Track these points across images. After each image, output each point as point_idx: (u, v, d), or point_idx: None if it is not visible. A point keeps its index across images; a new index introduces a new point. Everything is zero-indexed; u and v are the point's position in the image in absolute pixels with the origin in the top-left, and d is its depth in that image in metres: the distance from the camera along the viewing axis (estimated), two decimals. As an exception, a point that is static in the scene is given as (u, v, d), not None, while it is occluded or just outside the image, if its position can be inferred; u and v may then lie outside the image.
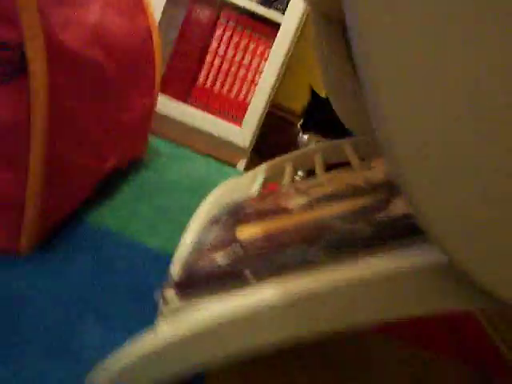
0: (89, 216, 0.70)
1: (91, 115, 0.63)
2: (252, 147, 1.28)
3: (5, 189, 0.50)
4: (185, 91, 1.25)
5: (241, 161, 1.28)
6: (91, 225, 0.69)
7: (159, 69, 0.91)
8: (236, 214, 0.59)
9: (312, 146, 0.91)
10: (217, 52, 1.21)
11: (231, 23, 1.19)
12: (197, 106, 1.25)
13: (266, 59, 1.20)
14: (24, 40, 0.45)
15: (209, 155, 1.28)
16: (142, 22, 0.82)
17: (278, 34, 1.16)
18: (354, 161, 0.74)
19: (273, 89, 1.20)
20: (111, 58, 0.66)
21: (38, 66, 0.46)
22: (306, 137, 1.39)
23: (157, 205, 0.83)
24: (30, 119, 0.48)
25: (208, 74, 1.23)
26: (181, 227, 0.76)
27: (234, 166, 1.30)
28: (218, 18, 1.19)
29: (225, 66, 1.22)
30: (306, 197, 0.56)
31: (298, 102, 1.50)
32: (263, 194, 0.67)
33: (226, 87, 1.24)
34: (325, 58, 0.88)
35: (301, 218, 0.51)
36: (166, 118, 1.21)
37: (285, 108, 1.49)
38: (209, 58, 1.22)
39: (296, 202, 0.56)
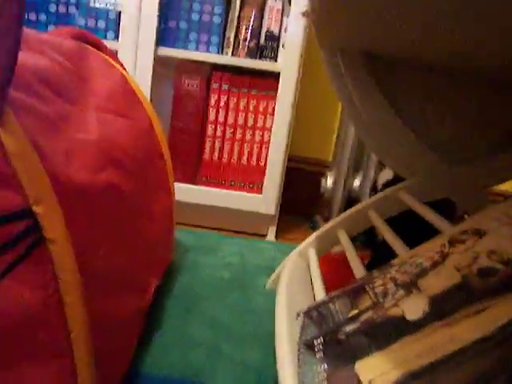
0: (141, 364, 0.56)
1: (121, 249, 0.49)
2: (279, 212, 1.14)
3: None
4: (192, 171, 1.12)
5: (270, 228, 1.15)
6: (148, 374, 0.54)
7: (169, 161, 0.79)
8: (334, 334, 0.45)
9: (362, 202, 0.78)
10: (217, 121, 1.10)
11: (224, 86, 1.08)
12: (208, 184, 1.12)
13: (271, 114, 1.09)
14: (30, 204, 0.32)
15: (235, 232, 1.14)
16: (141, 116, 0.70)
17: (279, 84, 1.05)
18: (435, 220, 0.60)
19: (287, 143, 1.08)
20: (124, 172, 0.54)
21: (55, 230, 0.33)
22: (329, 182, 1.27)
23: (209, 318, 0.68)
24: (60, 293, 0.34)
25: (212, 146, 1.11)
26: (257, 342, 0.62)
27: (263, 236, 1.16)
28: (208, 84, 1.09)
29: (228, 134, 1.11)
30: (422, 296, 0.42)
31: (318, 149, 1.39)
32: (347, 290, 0.52)
33: (235, 155, 1.12)
34: (353, 101, 0.77)
35: (437, 339, 0.37)
36: (178, 205, 1.07)
37: (306, 159, 1.37)
38: (210, 130, 1.10)
39: (413, 305, 0.42)
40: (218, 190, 1.11)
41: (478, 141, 0.76)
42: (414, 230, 0.70)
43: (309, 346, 0.45)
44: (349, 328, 0.44)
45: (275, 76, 1.06)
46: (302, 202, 1.36)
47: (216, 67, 1.08)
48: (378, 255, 0.88)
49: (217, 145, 1.11)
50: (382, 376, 0.35)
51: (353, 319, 0.45)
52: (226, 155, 1.11)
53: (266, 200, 1.10)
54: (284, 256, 1.00)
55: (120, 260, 0.49)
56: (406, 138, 0.76)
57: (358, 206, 0.77)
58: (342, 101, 0.82)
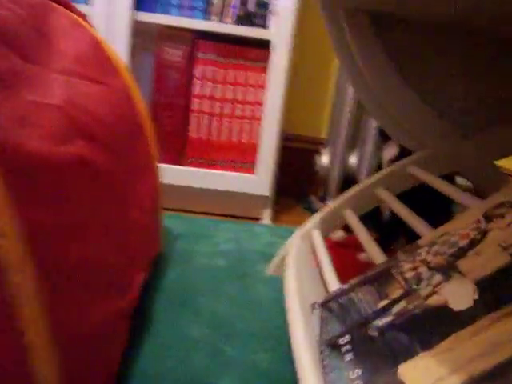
0: (133, 375, 0.47)
1: (96, 238, 0.41)
2: (275, 193, 1.06)
3: None
4: (177, 151, 1.03)
5: (265, 211, 1.07)
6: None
7: (152, 137, 0.70)
8: (362, 330, 0.37)
9: (367, 179, 0.71)
10: (202, 94, 1.01)
11: (211, 56, 0.99)
12: (196, 164, 1.03)
13: (262, 87, 1.00)
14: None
15: (227, 216, 1.06)
16: (117, 83, 0.61)
17: (270, 54, 0.96)
18: (456, 194, 0.53)
19: (280, 119, 1.00)
20: (98, 145, 0.45)
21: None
22: (324, 160, 1.19)
23: (208, 314, 0.61)
24: (10, 304, 0.26)
25: (199, 123, 1.02)
26: (265, 339, 0.55)
27: (257, 219, 1.08)
28: (193, 53, 0.99)
29: (216, 109, 1.01)
30: (467, 281, 0.35)
31: (312, 125, 1.31)
32: (370, 276, 0.45)
33: (225, 133, 1.03)
34: (357, 63, 0.68)
35: (497, 334, 0.29)
36: (164, 188, 0.99)
37: (298, 137, 1.29)
38: (195, 104, 1.01)
39: (458, 292, 0.34)
40: (206, 170, 1.02)
41: (490, 110, 0.69)
42: (428, 207, 0.62)
43: (333, 346, 0.38)
44: (381, 322, 0.36)
45: (266, 45, 0.97)
46: (296, 182, 1.28)
47: (201, 35, 0.98)
48: (385, 236, 0.81)
49: (204, 121, 1.02)
50: (437, 382, 0.28)
51: (384, 311, 0.38)
52: (214, 132, 1.02)
53: (259, 181, 1.02)
54: (282, 240, 0.92)
55: (94, 252, 0.40)
56: (413, 104, 0.69)
57: (365, 184, 0.69)
58: (344, 66, 0.74)
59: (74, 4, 0.68)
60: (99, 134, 0.46)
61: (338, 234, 0.92)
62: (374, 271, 0.44)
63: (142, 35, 1.00)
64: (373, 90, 0.71)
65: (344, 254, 0.89)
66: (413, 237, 0.76)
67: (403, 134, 0.73)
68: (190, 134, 1.02)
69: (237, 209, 1.08)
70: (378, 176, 0.70)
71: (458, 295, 0.34)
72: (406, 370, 0.30)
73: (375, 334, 0.36)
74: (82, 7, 0.91)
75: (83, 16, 0.68)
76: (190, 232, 0.91)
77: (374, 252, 0.51)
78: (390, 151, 0.90)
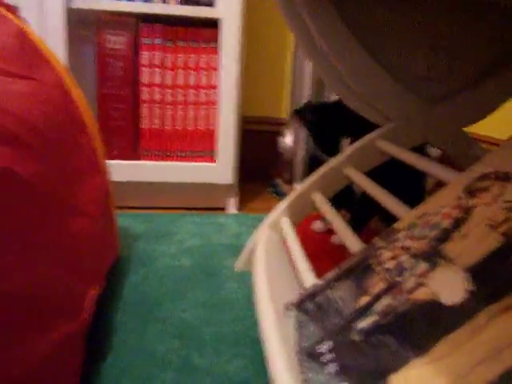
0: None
1: (27, 259, 0.34)
2: (239, 180, 1.01)
3: None
4: (129, 145, 0.96)
5: (230, 200, 1.02)
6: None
7: (96, 134, 0.63)
8: (344, 334, 0.33)
9: (334, 158, 0.66)
10: (152, 83, 0.93)
11: (157, 41, 0.91)
12: (151, 157, 0.97)
13: (215, 69, 0.94)
14: None
15: (189, 210, 1.00)
16: (49, 77, 0.54)
17: (220, 32, 0.90)
18: (431, 167, 0.49)
19: (237, 102, 0.94)
20: (21, 150, 0.38)
21: None
22: (288, 141, 1.14)
23: (174, 323, 0.55)
24: None
25: (150, 113, 0.95)
26: (238, 347, 0.49)
27: (222, 209, 1.03)
28: (137, 39, 0.92)
29: (168, 97, 0.94)
30: (456, 269, 0.31)
31: (271, 106, 1.25)
32: (347, 269, 0.40)
33: (179, 121, 0.96)
34: (313, 37, 0.63)
35: (502, 333, 0.26)
36: (120, 186, 0.92)
37: (258, 119, 1.23)
38: (145, 94, 0.94)
39: (447, 283, 0.30)
40: (163, 163, 0.96)
41: (454, 76, 0.66)
42: (399, 184, 0.58)
43: (313, 355, 0.33)
44: (364, 323, 0.32)
45: (215, 25, 0.90)
46: (259, 167, 1.23)
47: (144, 19, 0.90)
48: (358, 216, 0.77)
49: (156, 111, 0.94)
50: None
51: (366, 310, 0.33)
52: (168, 122, 0.96)
53: (221, 169, 0.96)
54: (250, 230, 0.88)
55: (27, 276, 0.34)
56: (377, 75, 0.65)
57: (332, 163, 0.65)
58: (300, 40, 0.68)
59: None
60: (22, 136, 0.39)
61: (318, 225, 0.88)
62: (350, 263, 0.40)
63: (79, 24, 0.91)
64: (332, 62, 0.66)
65: (319, 238, 0.85)
66: (388, 215, 0.73)
67: (367, 108, 0.68)
68: (141, 126, 0.95)
69: (200, 201, 1.02)
70: (345, 154, 0.65)
71: (448, 286, 0.30)
72: (397, 381, 0.26)
73: (358, 338, 0.31)
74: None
75: (12, 8, 0.60)
76: (151, 231, 0.85)
77: (348, 239, 0.47)
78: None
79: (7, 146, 0.35)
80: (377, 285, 0.35)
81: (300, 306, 0.40)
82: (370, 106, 0.67)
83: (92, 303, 0.46)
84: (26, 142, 0.39)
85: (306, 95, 1.09)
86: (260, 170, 1.23)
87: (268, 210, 1.04)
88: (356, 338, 0.32)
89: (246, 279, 0.68)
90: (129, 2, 0.88)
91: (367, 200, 0.73)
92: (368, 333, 0.31)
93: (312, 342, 0.35)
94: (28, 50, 0.54)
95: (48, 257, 0.38)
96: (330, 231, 0.86)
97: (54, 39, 0.84)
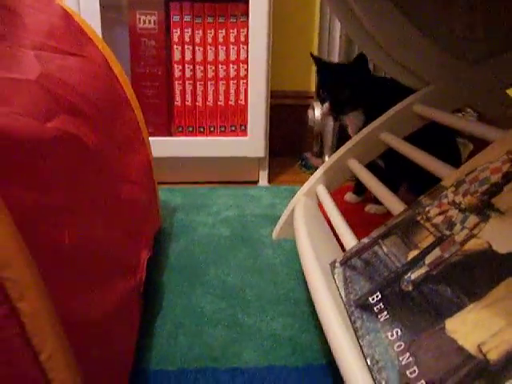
0: (148, 357, 0.45)
1: (96, 218, 0.37)
2: (269, 153, 1.03)
3: None
4: (164, 122, 0.98)
5: (261, 173, 1.03)
6: (159, 368, 0.44)
7: (138, 108, 0.65)
8: (394, 286, 0.35)
9: (367, 128, 0.67)
10: (183, 60, 0.95)
11: (186, 18, 0.92)
12: (185, 133, 0.99)
13: (244, 43, 0.94)
14: None
15: (222, 183, 1.03)
16: (94, 54, 0.56)
17: (249, 6, 0.90)
18: (476, 127, 0.49)
19: (267, 75, 0.95)
20: (84, 119, 0.40)
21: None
22: (316, 114, 1.15)
23: (219, 286, 0.58)
24: (11, 301, 0.23)
25: (183, 90, 0.96)
26: (281, 306, 0.52)
27: (254, 182, 1.05)
28: (168, 18, 0.93)
29: (199, 73, 0.96)
30: (508, 219, 0.32)
31: (299, 80, 1.25)
32: (392, 226, 0.42)
33: (211, 97, 0.98)
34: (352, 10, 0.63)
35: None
36: (155, 162, 0.94)
37: (286, 93, 1.23)
38: (177, 71, 0.95)
39: (500, 232, 0.32)
40: (196, 138, 0.98)
41: (493, 37, 0.65)
42: (436, 148, 0.59)
43: (363, 306, 0.35)
44: (414, 275, 0.34)
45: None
46: (289, 140, 1.24)
47: (172, -3, 0.92)
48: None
49: (188, 87, 0.96)
50: (496, 337, 0.25)
51: (415, 262, 0.35)
52: (199, 98, 0.97)
53: (252, 142, 0.98)
54: (282, 201, 0.90)
55: (96, 234, 0.37)
56: (414, 38, 0.64)
57: (368, 129, 0.66)
58: (337, 13, 0.68)
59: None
60: (82, 107, 0.41)
61: (350, 196, 0.89)
62: (396, 220, 0.41)
63: (111, 7, 0.93)
64: (367, 28, 0.66)
65: (353, 209, 0.86)
66: (416, 184, 0.74)
67: (405, 73, 0.68)
68: (175, 103, 0.97)
69: (232, 174, 1.04)
70: (381, 119, 0.66)
71: (502, 236, 0.31)
72: (454, 325, 0.28)
73: (409, 288, 0.33)
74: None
75: None
76: (188, 203, 0.88)
77: (390, 200, 0.48)
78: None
79: (73, 116, 0.37)
80: (425, 239, 0.37)
81: (346, 263, 0.42)
82: (407, 70, 0.66)
83: (145, 264, 0.49)
84: (86, 114, 0.41)
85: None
86: (289, 144, 1.24)
87: (298, 182, 1.05)
88: (407, 288, 0.33)
89: (281, 246, 0.70)
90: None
91: (393, 170, 0.74)
92: (419, 283, 0.33)
93: (361, 294, 0.37)
94: (73, 30, 0.56)
95: (106, 218, 0.41)
96: (362, 202, 0.87)
97: (89, 22, 0.86)
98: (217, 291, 0.57)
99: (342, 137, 1.10)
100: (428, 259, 0.34)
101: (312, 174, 0.70)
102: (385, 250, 0.39)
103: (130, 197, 0.51)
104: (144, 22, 0.93)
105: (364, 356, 0.31)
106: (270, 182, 1.05)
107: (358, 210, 0.85)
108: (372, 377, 0.29)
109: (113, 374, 0.35)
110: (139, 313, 0.45)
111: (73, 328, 0.27)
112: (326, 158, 1.14)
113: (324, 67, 0.79)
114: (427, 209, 0.39)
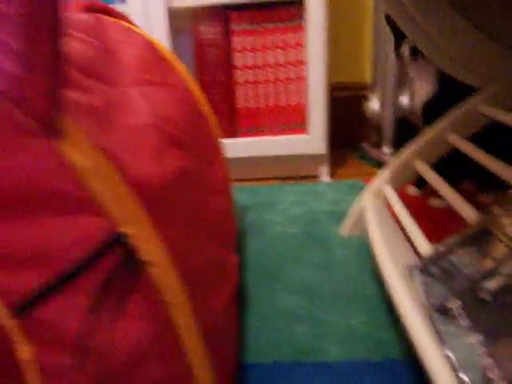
0: (247, 352, 0.52)
1: (203, 236, 0.43)
2: (330, 148, 1.06)
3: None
4: (228, 124, 1.04)
5: (322, 168, 1.07)
6: (256, 362, 0.50)
7: (212, 118, 0.71)
8: (472, 294, 0.39)
9: (435, 124, 0.69)
10: (245, 65, 1.00)
11: (246, 26, 0.97)
12: (248, 134, 1.04)
13: (301, 45, 0.98)
14: (119, 227, 0.25)
15: (284, 179, 1.08)
16: (176, 79, 0.62)
17: (303, 11, 0.93)
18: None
19: (325, 75, 0.98)
20: (184, 148, 0.46)
21: (153, 250, 0.27)
22: (374, 105, 1.16)
23: (298, 283, 0.64)
24: (171, 319, 0.29)
25: (245, 93, 1.02)
26: (358, 303, 0.57)
27: (314, 177, 1.09)
28: (228, 27, 0.98)
29: (260, 76, 1.00)
30: None
31: (354, 71, 1.27)
32: (466, 236, 0.45)
33: (272, 98, 1.02)
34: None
35: None
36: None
37: (345, 84, 1.26)
38: (239, 76, 1.00)
39: None
40: (259, 138, 1.03)
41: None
42: (501, 150, 0.60)
43: (442, 311, 0.39)
44: (491, 284, 0.37)
45: (297, 2, 0.93)
46: (346, 132, 1.26)
47: (232, 7, 0.96)
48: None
49: (249, 91, 1.01)
50: None
51: (491, 272, 0.39)
52: (261, 100, 1.02)
53: (313, 140, 1.02)
54: (346, 196, 0.94)
55: (206, 249, 0.43)
56: (476, 38, 0.65)
57: (433, 130, 0.68)
58: (392, 11, 0.70)
59: (116, 10, 0.68)
60: (180, 137, 0.47)
61: (412, 190, 0.92)
62: (470, 230, 0.45)
63: (176, 19, 0.99)
64: (426, 28, 0.67)
65: (416, 201, 0.89)
66: (481, 181, 0.75)
67: (463, 71, 0.69)
68: (238, 106, 1.02)
69: (293, 171, 1.09)
70: (446, 120, 0.68)
71: None
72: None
73: (488, 297, 0.37)
74: (120, 6, 0.91)
75: (125, 18, 0.69)
76: (256, 201, 0.94)
77: (462, 208, 0.51)
78: (421, 93, 0.86)
79: (178, 149, 0.43)
80: (499, 249, 0.40)
81: (423, 269, 0.46)
82: (467, 69, 0.68)
83: (237, 267, 0.56)
84: (184, 142, 0.47)
85: (390, 57, 1.10)
86: (347, 136, 1.27)
87: (358, 175, 1.09)
88: (485, 297, 0.37)
89: (351, 243, 0.74)
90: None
91: (458, 167, 0.75)
92: (497, 293, 0.37)
93: (441, 300, 0.41)
94: (158, 58, 0.62)
95: (208, 234, 0.47)
96: (424, 195, 0.90)
97: (158, 36, 0.93)
98: (295, 288, 0.63)
99: (400, 128, 1.12)
100: (505, 270, 0.38)
101: (371, 165, 0.73)
102: (460, 258, 0.43)
103: (217, 206, 0.57)
104: (207, 32, 0.98)
105: (448, 357, 0.35)
106: (331, 176, 1.09)
107: (423, 201, 0.88)
108: (457, 376, 0.34)
109: (228, 372, 0.42)
110: (238, 312, 0.52)
111: (203, 327, 0.34)
112: (385, 150, 1.16)
113: None
114: (499, 218, 0.42)
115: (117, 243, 0.25)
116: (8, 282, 0.22)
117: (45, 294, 0.22)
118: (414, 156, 0.69)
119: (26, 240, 0.22)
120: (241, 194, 0.98)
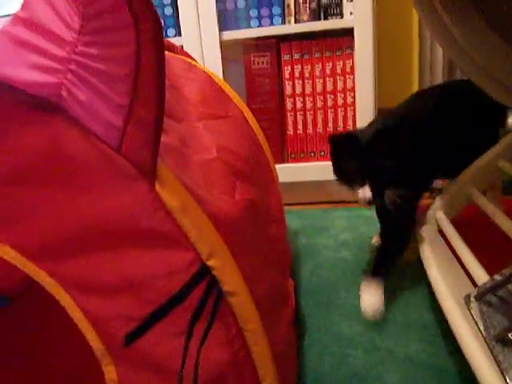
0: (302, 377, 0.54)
1: (268, 264, 0.46)
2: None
3: None
4: (278, 150, 1.08)
5: (370, 193, 1.08)
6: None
7: (267, 147, 0.75)
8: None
9: (487, 153, 0.69)
10: (294, 93, 1.03)
11: (296, 56, 1.01)
12: (298, 160, 1.07)
13: (349, 73, 1.00)
14: (205, 260, 0.29)
15: (334, 204, 1.09)
16: (234, 111, 0.66)
17: (352, 40, 0.96)
18: None
19: (374, 101, 1.00)
20: (248, 181, 0.50)
21: (233, 281, 0.30)
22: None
23: (351, 309, 0.65)
24: (247, 346, 0.32)
25: (295, 120, 1.05)
26: (413, 330, 0.57)
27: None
28: (279, 57, 1.02)
29: (309, 104, 1.04)
30: None
31: (399, 98, 1.28)
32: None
33: (320, 124, 1.05)
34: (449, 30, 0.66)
35: None
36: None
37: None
38: (289, 104, 1.04)
39: None
40: (308, 163, 1.06)
41: None
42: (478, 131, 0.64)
43: (504, 342, 0.40)
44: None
45: (345, 32, 0.97)
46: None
47: (283, 38, 1.01)
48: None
49: (299, 118, 1.05)
50: None
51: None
52: (310, 126, 1.05)
53: (361, 165, 1.03)
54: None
55: (270, 275, 0.46)
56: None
57: (486, 158, 0.68)
58: (435, 36, 0.71)
59: (174, 44, 0.73)
60: (244, 170, 0.51)
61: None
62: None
63: (228, 50, 1.04)
64: (469, 53, 0.68)
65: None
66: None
67: (506, 92, 0.69)
68: (288, 133, 1.06)
69: (340, 194, 1.10)
70: (498, 148, 0.68)
71: None
72: None
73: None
74: (175, 39, 0.98)
75: (184, 52, 0.74)
76: (306, 226, 0.96)
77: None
78: None
79: (242, 181, 0.46)
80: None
81: (481, 298, 0.47)
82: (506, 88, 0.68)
83: (293, 292, 0.58)
84: (247, 173, 0.51)
85: (437, 82, 1.11)
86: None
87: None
88: (546, 326, 0.38)
89: (404, 270, 0.75)
90: (269, 27, 0.99)
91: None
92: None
93: (500, 329, 0.41)
94: (217, 92, 0.67)
95: (270, 260, 0.50)
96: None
97: (212, 67, 0.98)
98: (351, 315, 0.64)
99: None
100: None
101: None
102: (519, 288, 0.43)
103: (275, 233, 0.60)
104: (258, 62, 1.03)
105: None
106: (378, 200, 1.09)
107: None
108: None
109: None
110: (297, 337, 0.54)
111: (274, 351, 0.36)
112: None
113: None
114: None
115: (204, 275, 0.29)
116: (118, 309, 0.25)
117: (148, 322, 0.26)
118: (466, 183, 0.70)
119: (132, 272, 0.26)
120: (290, 217, 1.00)
